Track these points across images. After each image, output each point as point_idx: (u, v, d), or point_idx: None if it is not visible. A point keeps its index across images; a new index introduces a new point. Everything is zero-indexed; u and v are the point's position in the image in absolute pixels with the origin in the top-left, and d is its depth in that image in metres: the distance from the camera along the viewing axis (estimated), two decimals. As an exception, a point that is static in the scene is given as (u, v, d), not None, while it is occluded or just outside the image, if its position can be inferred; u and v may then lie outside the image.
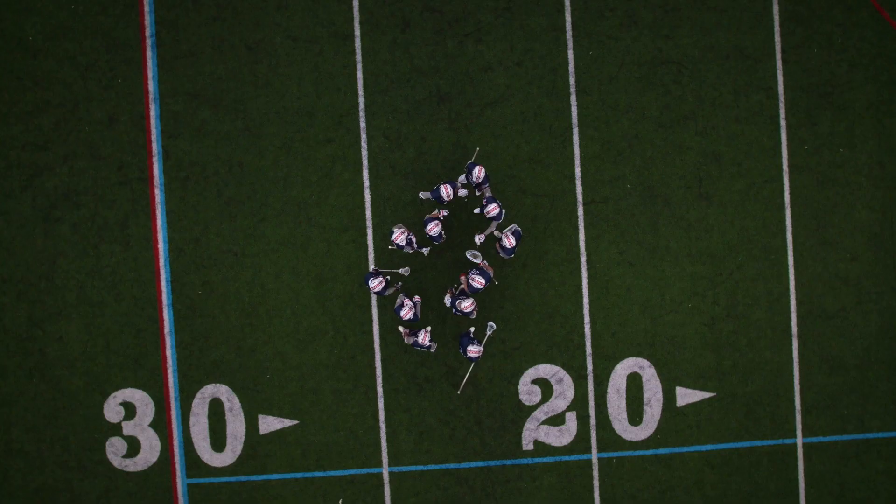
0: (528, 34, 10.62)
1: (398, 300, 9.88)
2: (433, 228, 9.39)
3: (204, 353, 10.77)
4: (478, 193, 10.04)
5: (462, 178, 10.13)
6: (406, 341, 10.08)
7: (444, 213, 9.68)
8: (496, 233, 9.89)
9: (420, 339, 9.62)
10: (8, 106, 10.63)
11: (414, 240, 9.66)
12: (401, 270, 10.30)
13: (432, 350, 10.14)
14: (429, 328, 9.73)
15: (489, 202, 9.44)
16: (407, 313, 9.52)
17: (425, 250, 10.14)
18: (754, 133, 10.77)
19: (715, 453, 10.95)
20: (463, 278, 9.72)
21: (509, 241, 9.55)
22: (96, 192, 10.73)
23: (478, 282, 9.44)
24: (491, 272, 9.86)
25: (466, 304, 9.46)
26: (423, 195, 10.35)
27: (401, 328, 10.12)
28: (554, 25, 10.64)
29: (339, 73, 10.65)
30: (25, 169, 10.70)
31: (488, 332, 10.16)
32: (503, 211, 9.64)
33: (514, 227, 9.95)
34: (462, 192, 10.13)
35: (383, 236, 10.66)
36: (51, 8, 10.54)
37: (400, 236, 9.51)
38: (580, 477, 10.95)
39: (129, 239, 10.76)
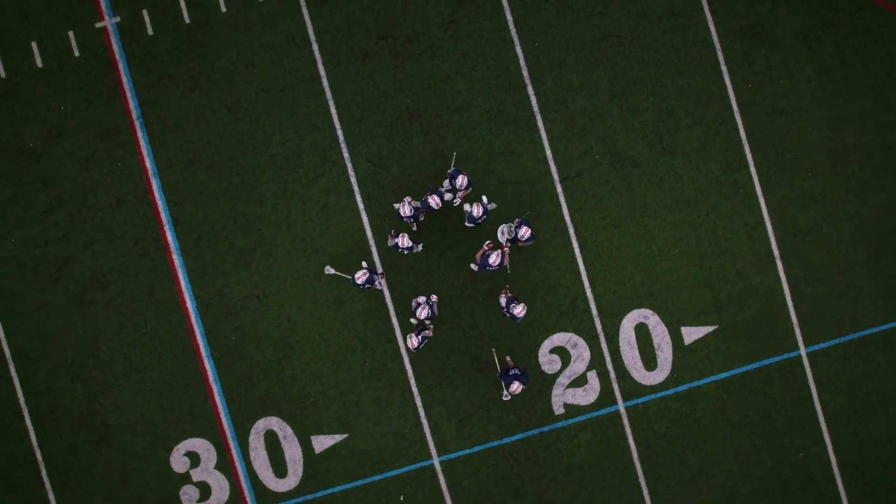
0: (477, 40, 11.52)
1: (413, 303, 10.82)
2: (434, 199, 10.44)
3: (249, 391, 11.71)
4: (458, 196, 10.99)
5: (446, 183, 11.04)
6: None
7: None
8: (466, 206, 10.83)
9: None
10: (24, 210, 11.56)
11: (419, 210, 10.67)
12: (417, 247, 11.17)
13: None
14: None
15: (522, 224, 10.51)
16: (422, 311, 10.44)
17: (419, 247, 11.13)
18: (700, 83, 11.67)
19: (729, 380, 11.87)
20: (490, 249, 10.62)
21: (477, 210, 10.49)
22: (120, 269, 11.66)
23: (495, 260, 10.34)
24: (507, 260, 10.74)
25: (519, 310, 10.43)
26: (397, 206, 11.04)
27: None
28: (498, 27, 11.55)
29: (314, 113, 11.57)
30: (52, 262, 11.63)
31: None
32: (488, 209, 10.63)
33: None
34: (448, 196, 11.05)
35: (387, 251, 11.58)
36: (43, 114, 11.46)
37: (405, 207, 10.39)
38: (612, 428, 11.88)
39: (158, 305, 11.69)
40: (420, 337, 10.67)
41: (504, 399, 11.20)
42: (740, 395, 11.87)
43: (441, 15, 11.49)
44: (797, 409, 11.89)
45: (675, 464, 11.88)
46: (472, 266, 11.33)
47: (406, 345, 10.55)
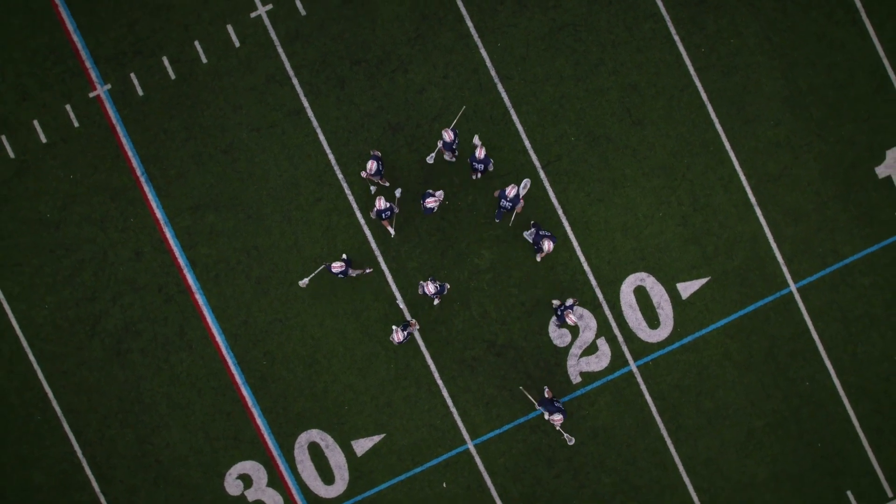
0: (443, 50, 12.30)
1: (420, 286, 11.58)
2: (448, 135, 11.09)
3: (287, 409, 12.52)
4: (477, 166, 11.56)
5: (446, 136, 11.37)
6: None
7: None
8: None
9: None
10: (51, 276, 12.36)
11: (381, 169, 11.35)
12: (396, 192, 12.01)
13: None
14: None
15: (542, 238, 11.20)
16: (430, 287, 11.16)
17: (398, 192, 11.97)
18: (656, 55, 12.45)
19: (729, 325, 12.65)
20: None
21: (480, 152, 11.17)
22: (149, 316, 12.46)
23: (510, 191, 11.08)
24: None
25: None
26: (429, 159, 12.03)
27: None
28: (461, 34, 12.32)
29: (304, 142, 12.36)
30: (85, 321, 12.43)
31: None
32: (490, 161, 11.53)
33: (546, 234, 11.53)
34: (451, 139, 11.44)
35: (393, 257, 12.38)
36: (55, 185, 12.26)
37: (372, 165, 11.10)
38: (628, 388, 12.67)
39: (190, 344, 12.50)
40: (405, 332, 11.37)
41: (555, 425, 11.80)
42: (741, 337, 12.66)
43: (406, 32, 12.27)
44: (797, 342, 12.68)
45: (691, 411, 12.68)
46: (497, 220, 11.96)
47: (393, 338, 11.22)
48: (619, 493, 12.73)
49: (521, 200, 11.47)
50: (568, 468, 12.64)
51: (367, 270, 12.16)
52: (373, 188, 12.02)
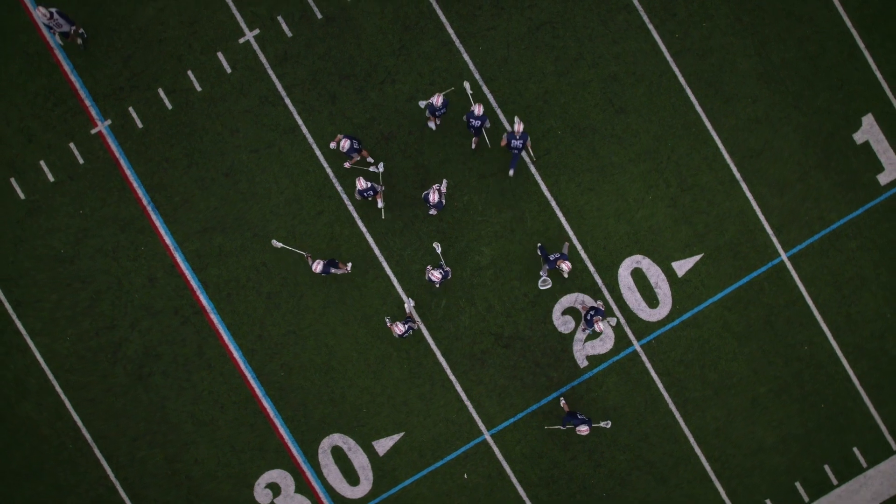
0: (427, 58, 12.75)
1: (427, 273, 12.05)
2: (438, 99, 11.51)
3: (308, 416, 12.98)
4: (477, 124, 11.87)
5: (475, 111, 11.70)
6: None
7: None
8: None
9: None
10: (71, 309, 12.82)
11: (357, 146, 11.73)
12: (376, 168, 12.38)
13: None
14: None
15: (562, 259, 11.71)
16: (434, 273, 11.70)
17: (380, 166, 12.32)
18: (633, 45, 12.89)
19: (725, 298, 13.11)
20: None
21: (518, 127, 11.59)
22: (167, 339, 12.92)
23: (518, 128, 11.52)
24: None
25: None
26: (421, 104, 12.44)
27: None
28: (443, 41, 12.76)
29: (302, 158, 12.81)
30: (107, 349, 12.90)
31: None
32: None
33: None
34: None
35: (397, 261, 12.84)
36: (66, 221, 12.71)
37: (345, 143, 11.52)
38: (634, 367, 13.13)
39: (209, 362, 12.96)
40: (406, 326, 11.79)
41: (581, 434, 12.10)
42: (739, 309, 13.11)
43: (391, 44, 12.72)
44: (792, 309, 13.13)
45: (697, 384, 13.14)
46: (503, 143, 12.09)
47: (394, 331, 11.67)
48: (635, 470, 13.19)
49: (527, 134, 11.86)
50: (583, 450, 13.11)
51: (348, 267, 12.58)
52: (366, 192, 12.10)
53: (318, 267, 11.51)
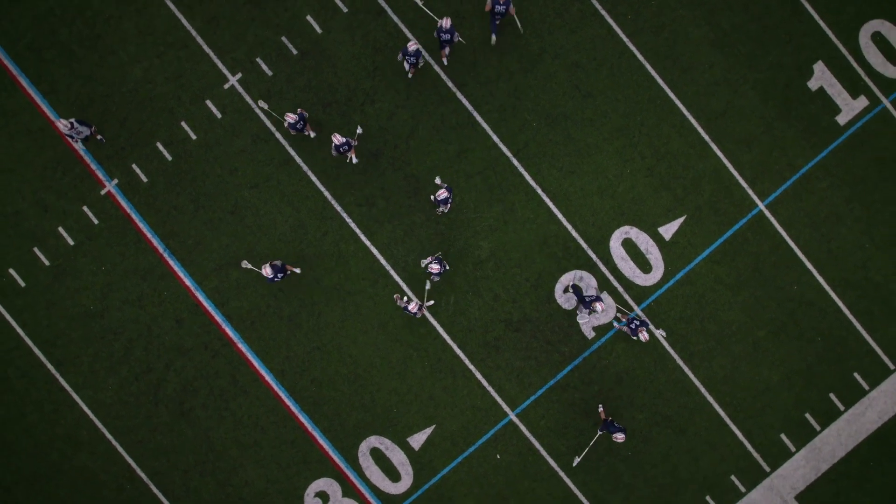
0: (400, 76, 13.58)
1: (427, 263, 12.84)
2: (412, 45, 12.40)
3: (343, 424, 13.84)
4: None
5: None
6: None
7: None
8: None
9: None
10: (107, 360, 13.69)
11: (304, 118, 12.61)
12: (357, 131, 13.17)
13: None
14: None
15: (597, 300, 12.66)
16: (433, 266, 12.50)
17: (359, 129, 13.18)
18: (589, 32, 13.72)
19: (713, 253, 13.94)
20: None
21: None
22: (201, 374, 13.78)
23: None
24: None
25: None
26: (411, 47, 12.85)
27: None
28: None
29: (300, 187, 13.65)
30: (147, 392, 13.76)
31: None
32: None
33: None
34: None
35: (403, 267, 13.69)
36: (91, 279, 13.57)
37: (292, 117, 12.36)
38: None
39: (244, 388, 13.82)
40: (416, 305, 12.72)
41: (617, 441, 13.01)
42: (727, 261, 13.95)
43: (365, 68, 13.56)
44: (777, 254, 13.97)
45: (699, 337, 13.99)
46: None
47: (409, 309, 12.64)
48: (654, 426, 14.04)
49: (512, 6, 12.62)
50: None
51: (296, 270, 13.39)
52: (342, 147, 12.66)
53: (267, 271, 12.27)
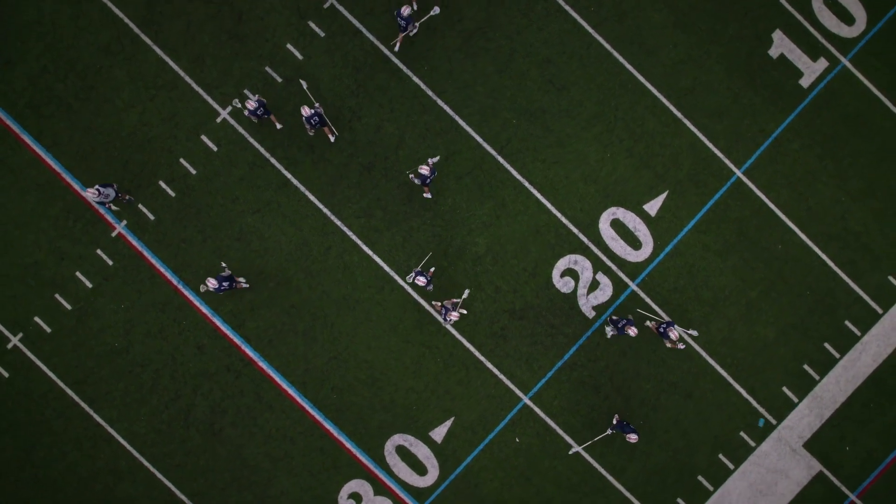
0: (383, 89, 14.26)
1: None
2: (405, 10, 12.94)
3: (367, 426, 14.53)
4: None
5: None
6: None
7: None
8: None
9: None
10: (137, 392, 14.37)
11: (262, 105, 13.13)
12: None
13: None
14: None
15: (629, 324, 13.32)
16: (420, 279, 12.92)
17: (277, 125, 13.82)
18: (555, 27, 14.39)
19: (698, 223, 14.60)
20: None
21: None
22: (227, 395, 14.47)
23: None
24: None
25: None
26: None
27: None
28: (392, 72, 14.27)
29: (300, 206, 14.33)
30: (177, 418, 14.45)
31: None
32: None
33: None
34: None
35: (405, 272, 14.37)
36: (112, 317, 14.25)
37: (252, 104, 12.89)
38: (637, 304, 14.64)
39: (269, 404, 14.51)
40: (426, 278, 13.12)
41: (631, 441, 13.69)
42: (712, 229, 14.63)
43: (348, 87, 14.24)
44: (759, 216, 14.64)
45: (695, 305, 14.66)
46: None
47: (419, 281, 13.04)
48: (662, 393, 14.72)
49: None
50: (612, 388, 14.64)
51: (243, 284, 13.95)
52: (312, 118, 13.16)
53: (211, 283, 12.74)
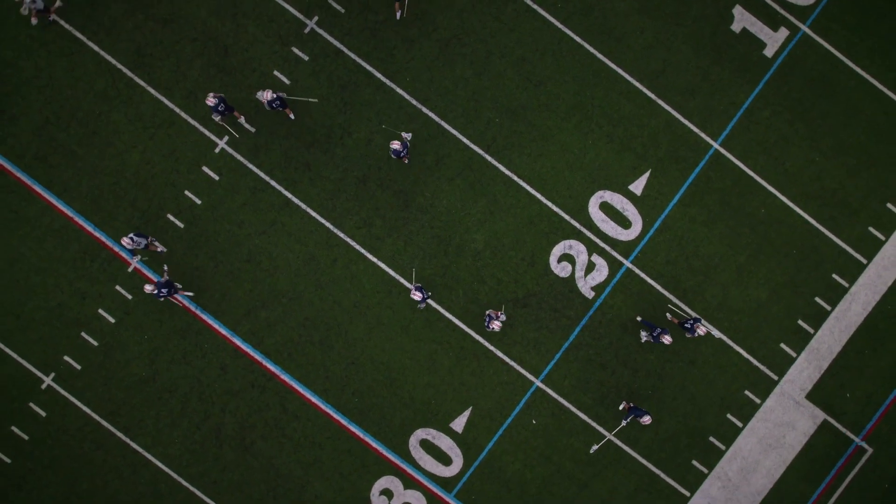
0: (369, 104, 14.96)
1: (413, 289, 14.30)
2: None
3: (390, 425, 15.24)
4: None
5: None
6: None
7: None
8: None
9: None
10: (168, 417, 15.08)
11: (223, 105, 13.73)
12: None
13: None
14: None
15: (664, 333, 14.20)
16: (416, 294, 13.84)
17: (242, 119, 14.50)
18: (527, 27, 15.08)
19: (682, 197, 15.29)
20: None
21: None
22: (254, 410, 15.16)
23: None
24: None
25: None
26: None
27: None
28: (376, 87, 14.96)
29: (302, 223, 15.04)
30: (209, 437, 15.15)
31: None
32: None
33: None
34: None
35: (410, 276, 15.08)
36: (136, 348, 14.96)
37: (212, 100, 13.46)
38: (632, 282, 15.35)
39: (295, 414, 15.21)
40: (421, 294, 14.01)
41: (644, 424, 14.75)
42: (696, 202, 15.33)
43: (335, 105, 14.94)
44: (739, 184, 15.33)
45: (687, 275, 15.36)
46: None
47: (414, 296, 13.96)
48: (666, 363, 15.43)
49: None
50: (618, 363, 15.35)
51: (185, 293, 14.59)
52: (273, 102, 13.78)
53: (147, 288, 13.43)
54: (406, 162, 14.85)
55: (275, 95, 13.72)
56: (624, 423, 14.83)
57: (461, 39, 15.05)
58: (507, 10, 15.07)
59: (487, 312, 14.50)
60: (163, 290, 13.82)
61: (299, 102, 14.74)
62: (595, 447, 15.23)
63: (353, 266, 15.10)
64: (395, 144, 13.79)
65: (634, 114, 15.19)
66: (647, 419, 14.15)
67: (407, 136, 14.26)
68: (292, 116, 14.73)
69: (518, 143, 15.14)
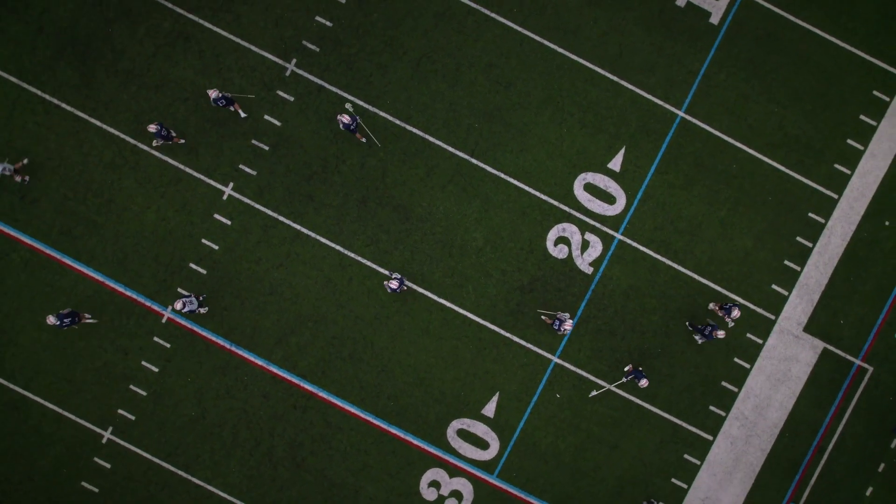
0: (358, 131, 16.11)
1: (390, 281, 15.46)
2: None
3: (427, 421, 16.40)
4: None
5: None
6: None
7: None
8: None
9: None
10: (223, 450, 16.23)
11: (165, 132, 14.96)
12: None
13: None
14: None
15: (715, 329, 15.47)
16: (393, 283, 15.03)
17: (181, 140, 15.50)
18: (490, 36, 16.21)
19: (658, 166, 16.42)
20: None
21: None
22: (300, 429, 16.32)
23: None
24: None
25: (644, 382, 15.42)
26: None
27: None
28: (361, 113, 16.10)
29: (315, 251, 16.18)
30: (264, 461, 16.31)
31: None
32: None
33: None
34: None
35: (422, 280, 16.23)
36: (182, 392, 16.11)
37: (153, 127, 14.67)
38: (626, 252, 16.49)
39: (338, 426, 16.36)
40: (398, 282, 15.11)
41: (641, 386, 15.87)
42: (672, 169, 16.47)
43: (326, 137, 16.08)
44: (709, 145, 16.46)
45: (676, 237, 16.51)
46: None
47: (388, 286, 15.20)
48: (670, 320, 16.58)
49: None
50: (625, 328, 16.50)
51: (89, 319, 15.65)
52: (219, 100, 15.01)
53: (50, 320, 14.40)
54: (363, 140, 15.78)
55: (220, 94, 14.90)
56: (625, 379, 16.01)
57: (430, 57, 16.18)
58: (467, 23, 16.21)
59: (557, 315, 15.62)
60: (66, 320, 14.63)
61: (282, 141, 15.87)
62: (594, 392, 16.34)
63: (368, 281, 16.25)
64: (344, 118, 14.89)
65: (601, 97, 16.33)
66: (644, 382, 15.35)
67: (349, 107, 15.43)
68: (243, 114, 15.82)
69: (499, 142, 16.28)
